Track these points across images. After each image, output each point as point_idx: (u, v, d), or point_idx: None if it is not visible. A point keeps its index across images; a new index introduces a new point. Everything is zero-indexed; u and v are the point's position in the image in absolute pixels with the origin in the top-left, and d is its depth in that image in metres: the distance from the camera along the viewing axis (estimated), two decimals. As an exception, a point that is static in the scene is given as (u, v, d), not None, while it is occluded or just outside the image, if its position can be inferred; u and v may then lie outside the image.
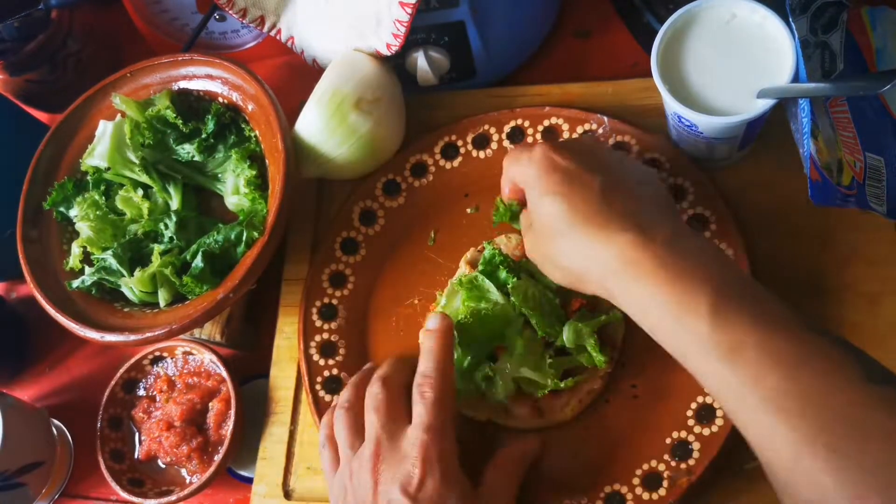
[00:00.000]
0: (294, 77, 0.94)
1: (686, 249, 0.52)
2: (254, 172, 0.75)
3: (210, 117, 0.78)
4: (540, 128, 0.77)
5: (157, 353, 0.81)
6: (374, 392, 0.63)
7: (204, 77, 0.80)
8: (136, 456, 0.79)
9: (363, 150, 0.76)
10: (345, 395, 0.67)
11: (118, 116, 0.81)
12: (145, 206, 0.78)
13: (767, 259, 0.69)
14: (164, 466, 0.78)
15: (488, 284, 0.69)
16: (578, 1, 0.87)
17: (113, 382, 0.80)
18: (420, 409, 0.59)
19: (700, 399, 0.65)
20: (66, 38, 0.92)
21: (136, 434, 0.80)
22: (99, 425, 0.79)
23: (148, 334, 0.70)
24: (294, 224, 0.82)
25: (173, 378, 0.80)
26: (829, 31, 0.56)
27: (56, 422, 0.86)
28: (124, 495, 0.76)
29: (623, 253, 0.52)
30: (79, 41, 0.94)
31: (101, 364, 0.89)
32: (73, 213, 0.79)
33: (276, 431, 0.75)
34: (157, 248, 0.75)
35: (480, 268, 0.71)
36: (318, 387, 0.74)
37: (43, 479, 0.81)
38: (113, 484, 0.76)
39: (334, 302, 0.77)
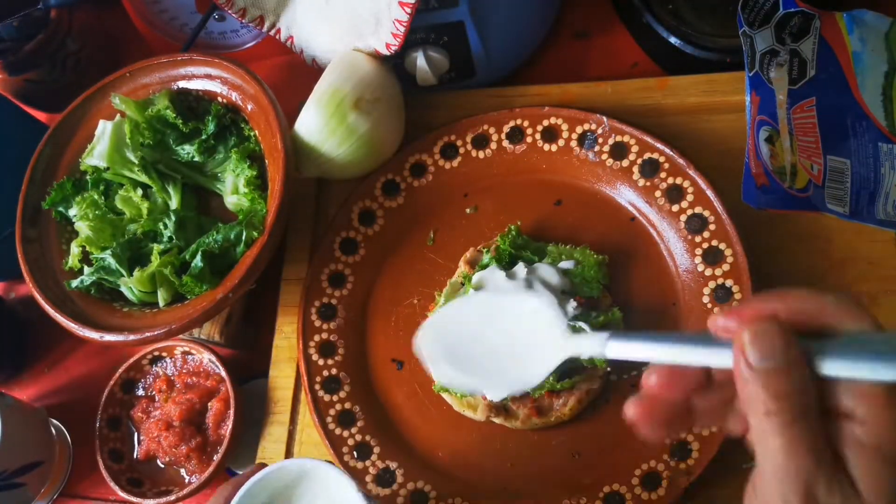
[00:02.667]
0: (293, 77, 0.94)
1: None
2: (254, 172, 0.75)
3: (210, 118, 0.78)
4: (539, 128, 0.77)
5: (156, 353, 0.81)
6: None
7: (203, 77, 0.80)
8: (134, 456, 0.79)
9: (362, 150, 0.76)
10: None
11: (117, 116, 0.81)
12: (144, 205, 0.78)
13: (767, 259, 0.69)
14: (163, 466, 0.78)
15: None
16: (578, 1, 0.87)
17: (112, 382, 0.80)
18: None
19: (699, 399, 0.65)
20: (65, 37, 0.92)
21: (135, 434, 0.80)
22: (98, 425, 0.79)
23: (147, 334, 0.70)
24: (293, 224, 0.82)
25: (172, 378, 0.80)
26: (801, 38, 0.56)
27: (55, 421, 0.86)
28: (123, 495, 0.76)
29: None
30: (78, 41, 0.94)
31: (99, 364, 0.88)
32: (72, 212, 0.79)
33: (274, 431, 0.75)
34: (157, 247, 0.75)
35: (478, 269, 0.71)
36: (317, 387, 0.74)
37: (42, 479, 0.81)
38: (112, 483, 0.76)
39: (333, 302, 0.77)
